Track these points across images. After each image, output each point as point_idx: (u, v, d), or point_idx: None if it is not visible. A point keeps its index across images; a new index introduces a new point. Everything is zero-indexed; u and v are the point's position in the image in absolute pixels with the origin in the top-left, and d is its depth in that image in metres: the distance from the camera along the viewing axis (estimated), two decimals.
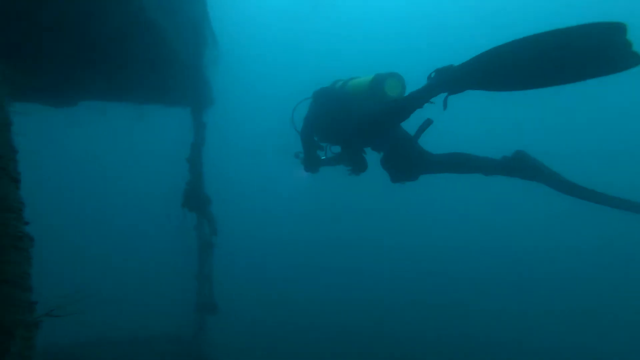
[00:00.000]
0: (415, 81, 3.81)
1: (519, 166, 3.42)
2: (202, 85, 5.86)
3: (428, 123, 3.74)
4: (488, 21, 24.09)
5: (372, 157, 4.34)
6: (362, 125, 4.02)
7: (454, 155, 3.85)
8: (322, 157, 4.90)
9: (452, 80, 3.23)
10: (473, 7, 25.84)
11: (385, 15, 27.66)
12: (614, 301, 11.19)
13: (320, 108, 4.62)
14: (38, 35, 3.90)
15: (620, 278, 12.85)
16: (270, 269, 14.58)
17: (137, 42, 4.34)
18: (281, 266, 14.88)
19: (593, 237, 16.62)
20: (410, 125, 3.94)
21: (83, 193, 21.69)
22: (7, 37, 3.39)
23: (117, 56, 4.58)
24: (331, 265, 14.98)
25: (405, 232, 19.39)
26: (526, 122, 23.35)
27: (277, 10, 26.55)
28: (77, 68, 4.67)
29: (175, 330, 6.82)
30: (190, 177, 5.70)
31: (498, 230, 19.04)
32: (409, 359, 8.04)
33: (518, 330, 9.37)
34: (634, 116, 21.91)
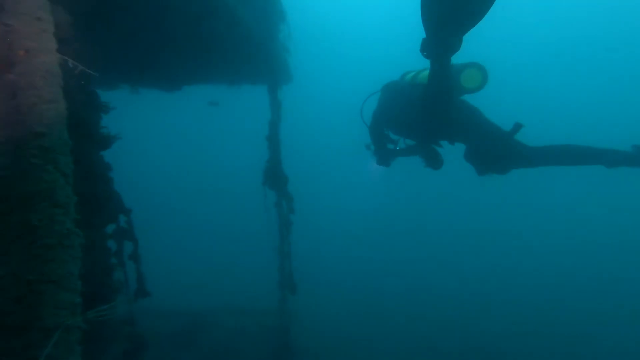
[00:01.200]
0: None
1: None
2: (277, 63, 5.80)
3: (518, 127, 3.62)
4: None
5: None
6: (425, 118, 3.79)
7: (557, 147, 3.53)
8: (395, 149, 4.73)
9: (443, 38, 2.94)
10: None
11: None
12: None
13: (390, 102, 4.46)
14: (122, 21, 4.05)
15: None
16: (344, 258, 14.45)
17: (213, 22, 4.35)
18: (356, 256, 14.72)
19: None
20: None
21: (168, 176, 23.31)
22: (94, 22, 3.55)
23: (195, 38, 4.63)
24: (407, 258, 14.52)
25: (487, 226, 18.23)
26: None
27: None
28: (156, 51, 4.81)
29: (261, 305, 7.14)
30: (270, 155, 5.76)
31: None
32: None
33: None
34: None
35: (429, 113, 3.71)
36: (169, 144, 25.27)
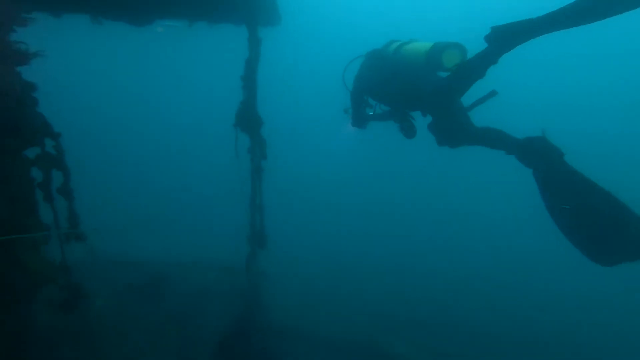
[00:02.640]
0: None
1: (534, 150, 3.35)
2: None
3: (492, 94, 3.72)
4: None
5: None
6: (430, 96, 3.92)
7: (489, 129, 3.80)
8: (370, 114, 5.05)
9: (514, 35, 3.09)
10: None
11: None
12: None
13: (373, 69, 4.60)
14: None
15: None
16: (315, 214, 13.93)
17: None
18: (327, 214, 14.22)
19: None
20: None
21: (137, 115, 22.07)
22: None
23: None
24: (379, 217, 14.12)
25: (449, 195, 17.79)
26: None
27: None
28: None
29: (228, 258, 6.69)
30: (244, 95, 5.15)
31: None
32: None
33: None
34: None
35: (441, 93, 3.84)
36: (137, 80, 23.77)
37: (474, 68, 3.47)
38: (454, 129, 3.93)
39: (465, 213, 15.94)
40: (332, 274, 8.64)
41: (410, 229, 13.09)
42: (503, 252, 12.10)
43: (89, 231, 3.41)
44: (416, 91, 4.06)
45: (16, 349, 3.40)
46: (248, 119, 4.90)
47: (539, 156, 3.33)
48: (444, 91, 3.82)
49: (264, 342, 6.07)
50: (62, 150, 3.09)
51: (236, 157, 5.20)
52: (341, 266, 9.10)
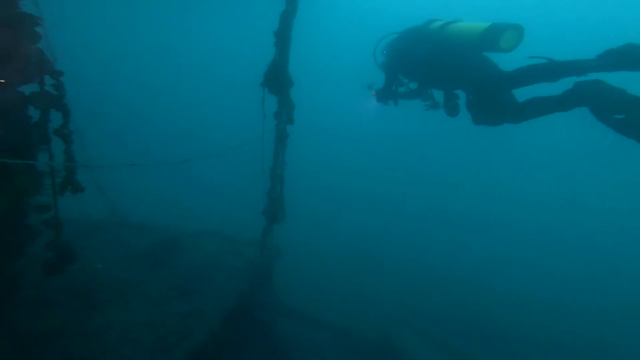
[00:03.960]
0: None
1: (585, 92, 3.31)
2: None
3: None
4: None
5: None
6: (488, 82, 3.85)
7: (533, 100, 3.69)
8: (402, 90, 4.99)
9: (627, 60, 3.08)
10: None
11: None
12: None
13: (411, 47, 4.51)
14: None
15: None
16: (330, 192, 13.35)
17: None
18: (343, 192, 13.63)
19: None
20: None
21: (156, 73, 21.23)
22: None
23: None
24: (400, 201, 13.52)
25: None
26: None
27: None
28: None
29: (243, 231, 6.28)
30: (277, 53, 4.61)
31: None
32: None
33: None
34: None
35: (502, 82, 3.77)
36: (159, 33, 22.83)
37: (548, 75, 3.42)
38: (497, 109, 3.87)
39: (487, 209, 15.36)
40: (348, 261, 8.22)
41: (431, 223, 12.56)
42: (525, 252, 11.57)
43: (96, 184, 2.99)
44: (464, 70, 3.99)
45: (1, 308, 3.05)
46: (277, 79, 4.37)
47: (591, 93, 3.28)
48: (510, 80, 3.69)
49: (269, 322, 5.71)
50: (64, 90, 2.64)
51: (263, 119, 4.72)
52: (358, 254, 8.65)
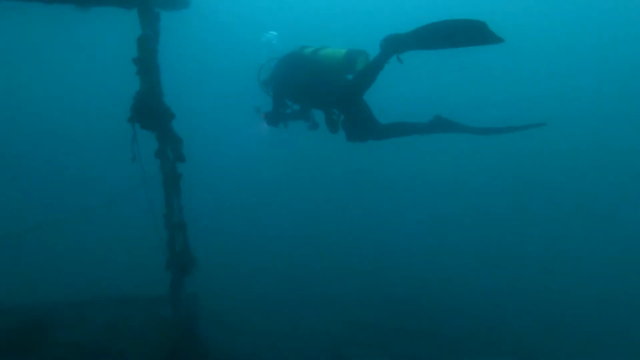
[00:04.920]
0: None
1: (441, 124, 4.51)
2: None
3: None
4: None
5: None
6: (342, 94, 4.59)
7: (395, 124, 4.65)
8: (288, 112, 5.48)
9: (399, 43, 4.16)
10: None
11: None
12: None
13: (290, 71, 5.06)
14: None
15: None
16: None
17: None
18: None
19: None
20: None
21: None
22: None
23: None
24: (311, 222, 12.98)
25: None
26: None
27: None
28: None
29: (154, 291, 5.30)
30: (142, 83, 3.95)
31: None
32: None
33: None
34: None
35: (350, 92, 4.58)
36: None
37: (373, 71, 4.34)
38: (362, 125, 4.66)
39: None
40: (281, 287, 7.63)
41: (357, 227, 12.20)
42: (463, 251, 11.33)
43: None
44: (332, 90, 4.63)
45: None
46: (152, 111, 3.73)
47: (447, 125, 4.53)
48: (352, 89, 4.52)
49: None
50: None
51: (132, 161, 4.01)
52: (285, 276, 8.11)
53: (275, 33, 6.09)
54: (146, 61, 4.02)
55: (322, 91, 4.72)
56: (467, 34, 3.85)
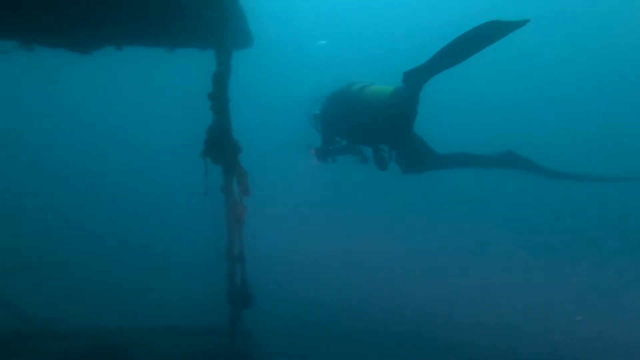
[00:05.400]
0: None
1: (512, 160, 4.46)
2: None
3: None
4: None
5: None
6: (391, 134, 4.65)
7: (456, 154, 4.64)
8: (336, 148, 5.46)
9: (420, 76, 4.23)
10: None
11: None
12: None
13: (337, 109, 5.14)
14: None
15: None
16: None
17: None
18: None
19: None
20: None
21: (80, 154, 19.65)
22: None
23: None
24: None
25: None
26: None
27: None
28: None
29: (210, 322, 5.36)
30: (214, 117, 4.10)
31: None
32: None
33: None
34: None
35: (399, 130, 4.61)
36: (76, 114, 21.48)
37: (413, 107, 4.44)
38: (419, 158, 4.66)
39: None
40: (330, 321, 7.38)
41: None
42: None
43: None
44: (379, 128, 4.64)
45: None
46: (220, 145, 3.83)
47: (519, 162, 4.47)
48: (399, 128, 4.54)
49: None
50: None
51: (205, 195, 4.12)
52: (337, 313, 7.85)
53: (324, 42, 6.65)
54: (219, 96, 4.19)
55: (369, 129, 4.75)
56: (486, 37, 3.80)
